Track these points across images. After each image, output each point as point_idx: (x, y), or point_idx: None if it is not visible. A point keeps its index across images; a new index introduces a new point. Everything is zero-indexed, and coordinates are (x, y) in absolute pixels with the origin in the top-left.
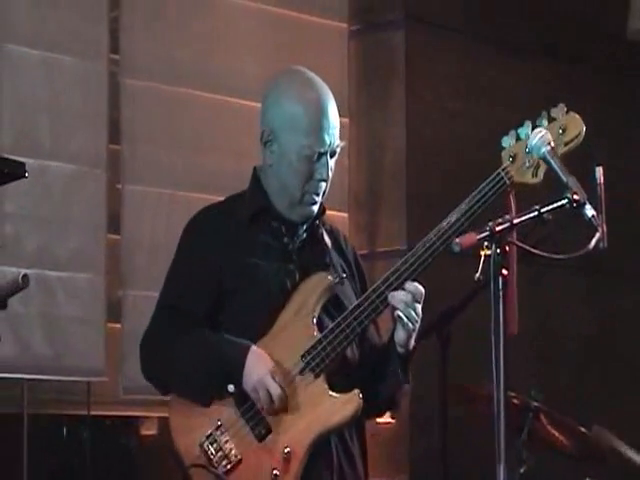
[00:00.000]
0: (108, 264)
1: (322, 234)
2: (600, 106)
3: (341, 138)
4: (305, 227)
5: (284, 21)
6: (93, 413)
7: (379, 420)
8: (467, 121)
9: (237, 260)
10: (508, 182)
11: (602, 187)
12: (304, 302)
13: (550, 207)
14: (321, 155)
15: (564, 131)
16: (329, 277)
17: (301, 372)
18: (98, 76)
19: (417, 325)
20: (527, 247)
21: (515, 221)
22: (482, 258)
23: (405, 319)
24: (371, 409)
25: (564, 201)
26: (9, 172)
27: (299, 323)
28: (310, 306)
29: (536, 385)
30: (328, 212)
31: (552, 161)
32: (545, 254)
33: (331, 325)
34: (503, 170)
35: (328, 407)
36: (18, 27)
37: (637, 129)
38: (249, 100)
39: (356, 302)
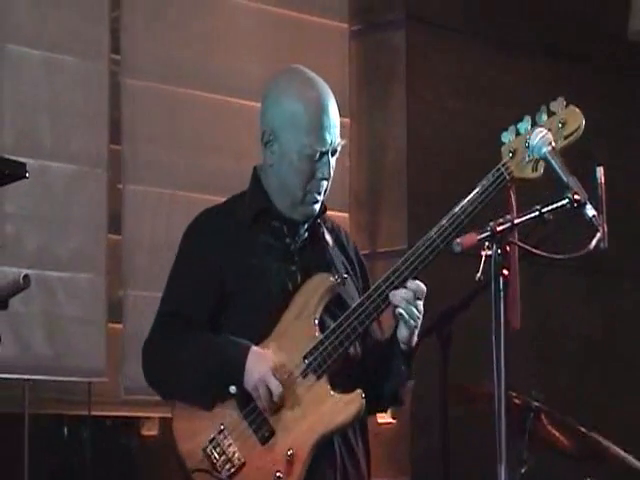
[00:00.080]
0: (109, 264)
1: (323, 233)
2: (600, 106)
3: (342, 138)
4: (306, 226)
5: (284, 21)
6: (94, 413)
7: (380, 420)
8: (467, 121)
9: (239, 261)
10: (508, 177)
11: (603, 187)
12: (306, 303)
13: (551, 207)
14: (322, 154)
15: (564, 125)
16: (331, 278)
17: (303, 373)
18: (99, 76)
19: (419, 322)
20: (528, 247)
21: (516, 221)
22: (483, 258)
23: (407, 316)
24: (375, 406)
25: (565, 201)
26: (10, 173)
27: (301, 324)
28: (312, 307)
29: (536, 385)
30: (329, 212)
31: (553, 161)
32: (546, 254)
33: (332, 325)
34: (503, 166)
35: (331, 408)
36: (19, 27)
37: (637, 129)
38: (250, 100)
39: (357, 302)
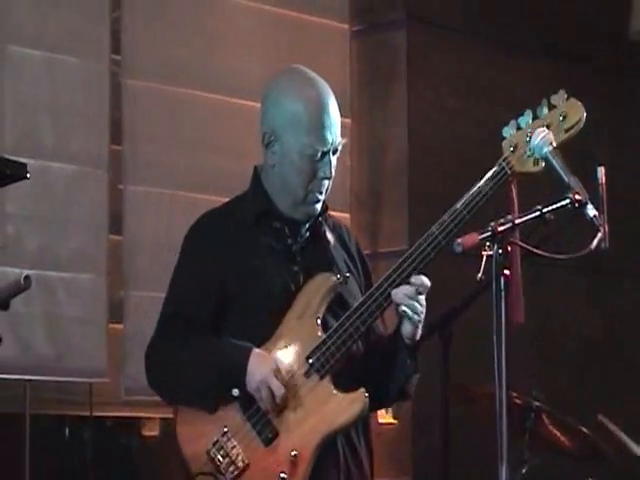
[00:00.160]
0: (110, 264)
1: (325, 231)
2: (600, 106)
3: (342, 137)
4: (308, 226)
5: (285, 21)
6: (95, 414)
7: (381, 420)
8: (467, 120)
9: (240, 263)
10: (509, 172)
11: (604, 187)
12: (308, 303)
13: (552, 207)
14: (324, 154)
15: (565, 118)
16: (333, 277)
17: (306, 373)
18: (100, 77)
19: (422, 316)
20: (529, 247)
21: (517, 221)
22: (484, 258)
23: (410, 313)
24: (381, 401)
25: (566, 201)
26: (11, 173)
27: (304, 324)
28: (314, 307)
29: (536, 385)
30: (330, 213)
31: (554, 161)
32: (547, 254)
33: (335, 325)
34: (504, 160)
35: (334, 407)
36: (20, 28)
37: (637, 129)
38: (251, 100)
39: (360, 300)
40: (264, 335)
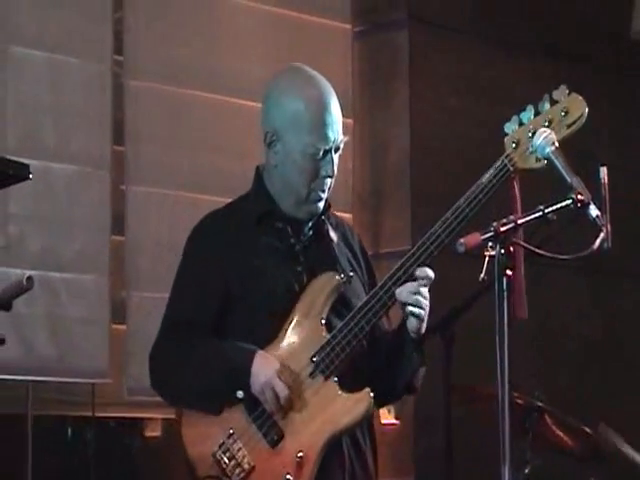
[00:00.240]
0: (112, 265)
1: (328, 230)
2: (601, 106)
3: (344, 135)
4: (310, 225)
5: (287, 22)
6: (97, 414)
7: (384, 421)
8: (469, 120)
9: (243, 264)
10: (512, 169)
11: (606, 187)
12: (312, 303)
13: (554, 207)
14: (326, 152)
15: (566, 113)
16: (336, 277)
17: (311, 374)
18: (102, 77)
19: (427, 309)
20: (532, 247)
21: (519, 221)
22: (486, 258)
23: (416, 311)
24: (388, 396)
25: (568, 201)
26: (13, 174)
27: (308, 325)
28: (318, 307)
29: (536, 385)
30: (332, 211)
31: (557, 161)
32: (550, 254)
33: (340, 325)
34: (507, 157)
35: (339, 408)
36: (22, 29)
37: (638, 129)
38: (253, 101)
39: (364, 300)
40: (268, 336)
